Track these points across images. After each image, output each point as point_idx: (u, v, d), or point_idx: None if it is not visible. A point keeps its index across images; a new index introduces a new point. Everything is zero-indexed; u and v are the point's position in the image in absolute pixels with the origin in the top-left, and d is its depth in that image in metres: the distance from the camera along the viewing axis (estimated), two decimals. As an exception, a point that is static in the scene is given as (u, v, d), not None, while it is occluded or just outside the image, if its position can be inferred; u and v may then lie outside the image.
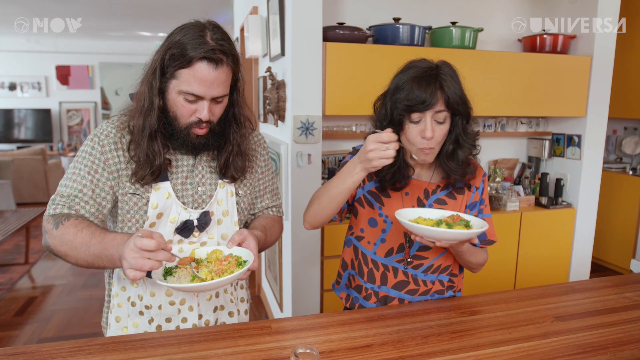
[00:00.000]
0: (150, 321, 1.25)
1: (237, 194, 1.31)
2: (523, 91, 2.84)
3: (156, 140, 1.16)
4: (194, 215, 1.21)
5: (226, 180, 1.28)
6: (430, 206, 1.36)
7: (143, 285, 1.25)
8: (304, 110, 2.36)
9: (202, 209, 1.24)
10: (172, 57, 1.11)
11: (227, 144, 1.24)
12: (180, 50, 1.10)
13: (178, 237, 1.22)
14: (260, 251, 1.30)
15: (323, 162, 2.77)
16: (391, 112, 1.25)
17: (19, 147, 7.75)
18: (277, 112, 2.50)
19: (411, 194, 1.37)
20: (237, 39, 4.12)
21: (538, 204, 3.13)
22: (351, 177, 1.21)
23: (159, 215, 1.20)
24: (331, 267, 2.57)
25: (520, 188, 3.16)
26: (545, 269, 3.08)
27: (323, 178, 2.61)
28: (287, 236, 2.56)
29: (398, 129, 1.26)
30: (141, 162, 1.17)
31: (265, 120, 3.05)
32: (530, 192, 3.21)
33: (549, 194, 3.21)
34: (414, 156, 1.29)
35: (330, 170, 2.69)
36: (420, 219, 1.24)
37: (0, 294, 3.58)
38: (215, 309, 1.31)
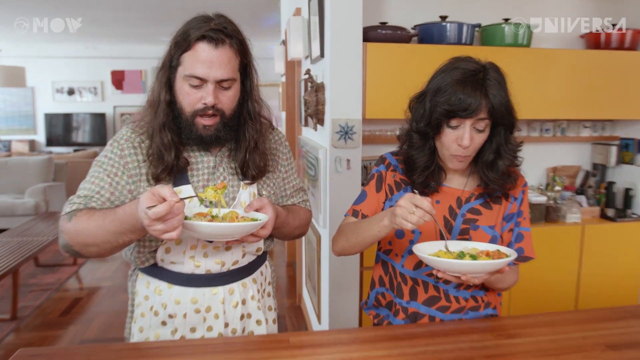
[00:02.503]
0: (174, 332, 1.25)
1: (260, 195, 1.31)
2: (586, 92, 2.67)
3: (165, 134, 1.17)
4: (204, 209, 1.20)
5: (247, 182, 1.28)
6: (464, 215, 1.30)
7: (168, 292, 1.26)
8: (343, 114, 2.33)
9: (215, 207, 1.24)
10: (176, 45, 1.14)
11: (242, 141, 1.25)
12: (183, 37, 1.13)
13: (203, 242, 1.23)
14: (282, 231, 1.32)
15: (365, 167, 2.73)
16: (430, 114, 1.21)
17: (75, 150, 8.23)
18: (316, 116, 2.49)
19: (442, 202, 1.31)
20: (282, 42, 4.16)
21: (604, 216, 2.92)
22: (377, 226, 1.20)
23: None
24: (370, 278, 2.52)
25: (582, 198, 2.97)
26: (612, 290, 2.87)
27: (363, 185, 2.56)
28: (325, 245, 2.53)
29: (435, 131, 1.22)
30: (154, 159, 1.19)
31: (306, 124, 3.05)
32: (594, 202, 3.01)
33: (617, 206, 3.00)
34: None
35: (371, 176, 2.64)
36: (441, 252, 1.19)
37: (48, 294, 3.80)
38: (242, 317, 1.31)
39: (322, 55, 2.44)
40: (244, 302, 1.31)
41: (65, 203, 1.19)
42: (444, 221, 1.31)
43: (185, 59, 1.13)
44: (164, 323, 1.26)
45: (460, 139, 1.18)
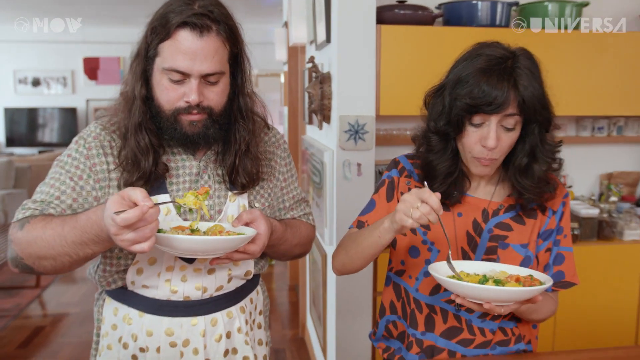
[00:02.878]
0: None
1: (252, 207, 1.32)
2: (648, 84, 2.68)
3: (142, 135, 1.19)
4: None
5: (236, 192, 1.30)
6: (490, 231, 1.31)
7: (139, 321, 1.27)
8: (353, 110, 2.36)
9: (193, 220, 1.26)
10: (154, 31, 1.15)
11: (232, 143, 1.26)
12: (161, 21, 1.14)
13: (181, 262, 1.25)
14: (278, 250, 1.34)
15: (380, 172, 2.75)
16: (449, 110, 1.22)
17: (40, 152, 8.34)
18: (321, 112, 2.53)
19: (465, 214, 1.33)
20: (284, 24, 4.22)
21: (669, 233, 2.91)
22: (377, 231, 1.20)
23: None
24: (380, 304, 2.53)
25: (643, 211, 2.96)
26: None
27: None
28: (329, 266, 2.55)
29: (456, 131, 1.23)
30: (129, 165, 1.20)
31: (310, 122, 3.08)
32: (658, 216, 3.00)
33: (685, 220, 2.98)
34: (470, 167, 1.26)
35: (387, 184, 2.67)
36: (462, 273, 1.20)
37: (5, 322, 3.85)
38: (227, 353, 1.32)
39: (328, 40, 2.48)
40: (228, 335, 1.32)
41: (18, 208, 1.19)
42: (466, 238, 1.32)
43: (164, 49, 1.14)
44: (134, 357, 1.28)
45: (485, 139, 1.19)
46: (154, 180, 1.22)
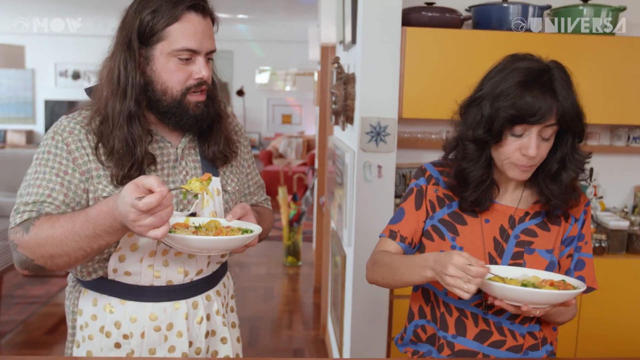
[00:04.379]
0: (130, 354, 1.34)
1: (225, 191, 1.41)
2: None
3: (136, 125, 1.26)
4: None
5: (214, 172, 1.39)
6: (517, 237, 1.38)
7: (121, 308, 1.33)
8: (375, 112, 2.41)
9: (188, 210, 1.34)
10: (155, 18, 1.23)
11: (215, 122, 1.38)
12: (167, 7, 1.24)
13: (163, 247, 1.31)
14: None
15: (403, 176, 2.79)
16: (490, 120, 1.27)
17: (78, 144, 8.64)
18: (344, 113, 2.58)
19: (492, 221, 1.39)
20: (318, 24, 4.28)
21: None
22: (419, 276, 1.27)
23: (130, 233, 1.28)
24: (402, 308, 2.57)
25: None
26: None
27: (397, 197, 2.62)
28: (349, 267, 2.61)
29: (496, 140, 1.29)
30: (121, 154, 1.25)
31: (336, 123, 3.14)
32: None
33: None
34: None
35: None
36: (496, 278, 1.24)
37: (35, 308, 4.04)
38: (207, 335, 1.40)
39: (353, 41, 2.53)
40: (208, 317, 1.41)
41: (12, 213, 1.23)
42: (493, 243, 1.38)
43: (172, 31, 1.24)
44: (117, 345, 1.33)
45: (526, 149, 1.25)
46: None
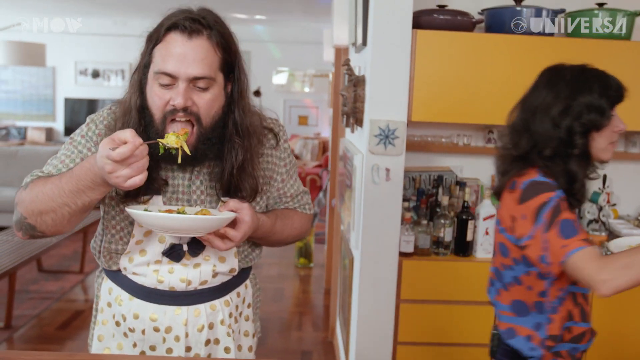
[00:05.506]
0: (134, 346, 1.38)
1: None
2: None
3: None
4: (184, 239, 1.31)
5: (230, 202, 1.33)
6: None
7: (128, 304, 1.38)
8: (384, 114, 2.40)
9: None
10: (149, 39, 1.22)
11: (227, 162, 1.29)
12: (156, 28, 1.21)
13: (167, 259, 1.33)
14: (270, 240, 1.42)
15: (413, 179, 2.78)
16: (571, 133, 1.49)
17: (96, 142, 8.75)
18: (354, 115, 2.58)
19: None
20: (331, 26, 4.28)
21: None
22: None
23: (147, 233, 1.33)
24: (409, 313, 2.56)
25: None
26: None
27: (405, 200, 2.61)
28: (357, 268, 2.60)
29: (600, 127, 1.51)
30: None
31: (347, 125, 3.14)
32: None
33: None
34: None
35: (420, 191, 2.69)
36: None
37: (48, 304, 4.10)
38: (208, 342, 1.40)
39: (364, 43, 2.53)
40: (211, 326, 1.40)
41: (27, 176, 1.28)
42: None
43: (156, 53, 1.20)
44: (125, 335, 1.39)
45: (618, 126, 1.54)
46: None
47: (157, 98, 1.22)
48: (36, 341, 3.52)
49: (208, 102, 1.23)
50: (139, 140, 1.07)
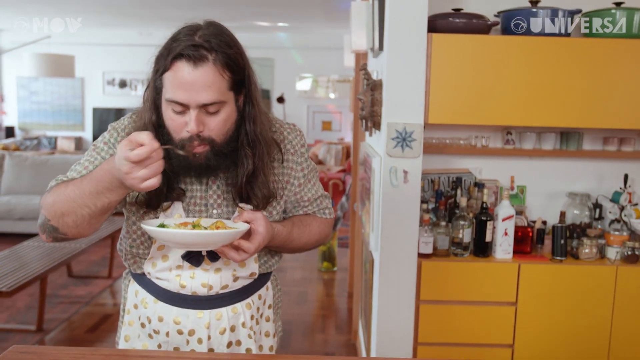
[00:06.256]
0: (159, 347, 1.44)
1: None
2: None
3: None
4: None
5: (247, 206, 1.39)
6: None
7: (153, 307, 1.44)
8: (401, 117, 2.44)
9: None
10: (157, 62, 1.25)
11: (240, 169, 1.33)
12: (163, 53, 1.23)
13: (189, 264, 1.39)
14: (288, 247, 1.44)
15: (432, 181, 2.80)
16: None
17: (123, 150, 8.94)
18: (372, 119, 2.62)
19: None
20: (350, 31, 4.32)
21: None
22: None
23: None
24: (429, 314, 2.58)
25: None
26: None
27: (424, 202, 2.64)
28: (377, 271, 2.63)
29: None
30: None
31: (366, 128, 3.18)
32: None
33: None
34: None
35: (438, 193, 2.71)
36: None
37: (78, 308, 4.21)
38: (230, 345, 1.45)
39: (381, 47, 2.57)
40: (232, 328, 1.44)
41: (51, 181, 1.34)
42: None
43: (166, 80, 1.22)
44: (150, 336, 1.45)
45: None
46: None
47: (172, 122, 1.26)
48: (66, 344, 3.61)
49: (220, 123, 1.27)
50: (156, 143, 1.11)
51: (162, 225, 1.26)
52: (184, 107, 1.23)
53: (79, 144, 9.26)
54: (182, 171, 1.32)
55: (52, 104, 9.34)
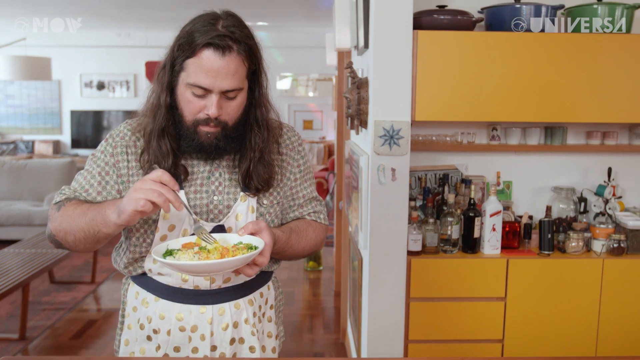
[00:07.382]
0: (157, 349, 1.42)
1: (260, 204, 1.44)
2: None
3: (164, 141, 1.34)
4: (207, 227, 1.35)
5: (249, 193, 1.42)
6: None
7: (154, 305, 1.43)
8: (388, 115, 2.43)
9: (219, 221, 1.39)
10: (180, 48, 1.29)
11: (247, 151, 1.39)
12: (188, 39, 1.28)
13: None
14: (285, 254, 1.45)
15: (419, 178, 2.80)
16: None
17: (103, 153, 8.82)
18: (358, 117, 2.61)
19: None
20: (333, 30, 4.32)
21: None
22: None
23: (171, 228, 1.38)
24: (419, 311, 2.59)
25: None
26: None
27: (412, 199, 2.64)
28: (366, 269, 2.63)
29: None
30: (150, 167, 1.35)
31: (352, 127, 3.17)
32: None
33: None
34: None
35: (426, 190, 2.71)
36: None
37: (61, 314, 4.14)
38: (233, 341, 1.44)
39: (366, 45, 2.56)
40: (235, 324, 1.44)
41: (57, 192, 1.40)
42: None
43: (189, 65, 1.29)
44: (149, 338, 1.44)
45: None
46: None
47: (190, 104, 1.32)
48: (51, 351, 3.55)
49: (235, 108, 1.35)
50: (177, 186, 1.23)
51: (169, 252, 1.27)
52: (206, 92, 1.29)
53: (57, 148, 9.10)
54: (191, 150, 1.37)
55: (28, 107, 9.17)
